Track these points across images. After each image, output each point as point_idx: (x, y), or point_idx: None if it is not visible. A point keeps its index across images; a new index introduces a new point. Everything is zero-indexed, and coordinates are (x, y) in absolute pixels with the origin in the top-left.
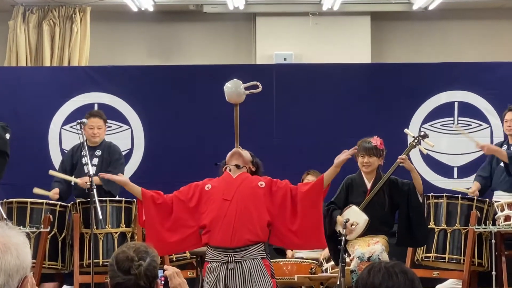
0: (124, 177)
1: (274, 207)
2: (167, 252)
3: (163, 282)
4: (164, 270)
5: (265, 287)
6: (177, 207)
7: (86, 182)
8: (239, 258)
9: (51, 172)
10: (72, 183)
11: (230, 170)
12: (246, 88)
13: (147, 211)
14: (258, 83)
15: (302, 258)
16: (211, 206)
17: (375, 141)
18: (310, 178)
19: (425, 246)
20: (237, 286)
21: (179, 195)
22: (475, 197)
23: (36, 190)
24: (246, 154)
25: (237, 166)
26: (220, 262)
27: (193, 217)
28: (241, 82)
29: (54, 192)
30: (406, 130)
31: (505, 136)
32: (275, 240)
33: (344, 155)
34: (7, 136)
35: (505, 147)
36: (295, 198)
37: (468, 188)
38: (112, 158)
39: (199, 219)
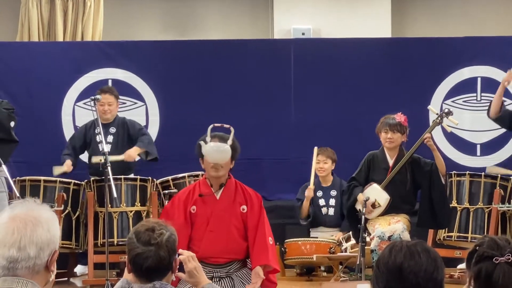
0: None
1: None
2: None
3: (178, 267)
4: (179, 255)
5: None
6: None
7: (101, 160)
8: (224, 273)
9: (55, 171)
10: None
11: (212, 185)
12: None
13: None
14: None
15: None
16: (197, 233)
17: (399, 117)
18: (320, 158)
19: None
20: None
21: (180, 231)
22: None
23: (56, 171)
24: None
25: (220, 186)
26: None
27: (188, 239)
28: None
29: (68, 165)
30: (429, 107)
31: None
32: None
33: None
34: (12, 124)
35: None
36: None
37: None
38: (133, 132)
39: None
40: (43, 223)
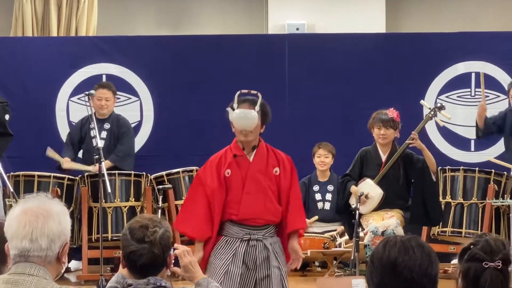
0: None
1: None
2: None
3: (173, 261)
4: (174, 249)
5: (284, 262)
6: (217, 203)
7: (95, 165)
8: (261, 236)
9: (49, 152)
10: (85, 171)
11: (243, 148)
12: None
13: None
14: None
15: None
16: (234, 196)
17: (392, 113)
18: (322, 152)
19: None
20: (257, 262)
21: (215, 195)
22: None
23: (50, 152)
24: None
25: (253, 148)
26: (241, 238)
27: (223, 203)
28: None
29: (66, 160)
30: (422, 102)
31: None
32: None
33: None
34: (7, 117)
35: None
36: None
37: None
38: (119, 132)
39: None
40: (54, 216)
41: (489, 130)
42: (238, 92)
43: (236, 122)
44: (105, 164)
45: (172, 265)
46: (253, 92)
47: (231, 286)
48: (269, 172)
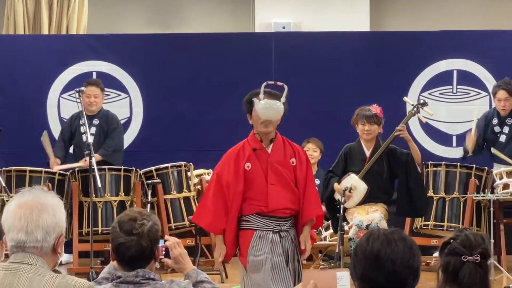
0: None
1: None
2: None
3: (163, 252)
4: (164, 241)
5: (299, 254)
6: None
7: (85, 160)
8: (288, 227)
9: (44, 137)
10: (76, 167)
11: (261, 140)
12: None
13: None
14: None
15: None
16: (259, 188)
17: (375, 109)
18: (310, 146)
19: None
20: (289, 253)
21: (230, 187)
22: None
23: (44, 138)
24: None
25: (271, 140)
26: (272, 230)
27: (241, 198)
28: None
29: (57, 162)
30: (405, 98)
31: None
32: None
33: None
34: None
35: (495, 120)
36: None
37: None
38: (109, 128)
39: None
40: (48, 208)
41: (480, 149)
42: (264, 83)
43: (262, 112)
44: (95, 158)
45: (163, 256)
46: (279, 83)
47: (284, 277)
48: (287, 163)
